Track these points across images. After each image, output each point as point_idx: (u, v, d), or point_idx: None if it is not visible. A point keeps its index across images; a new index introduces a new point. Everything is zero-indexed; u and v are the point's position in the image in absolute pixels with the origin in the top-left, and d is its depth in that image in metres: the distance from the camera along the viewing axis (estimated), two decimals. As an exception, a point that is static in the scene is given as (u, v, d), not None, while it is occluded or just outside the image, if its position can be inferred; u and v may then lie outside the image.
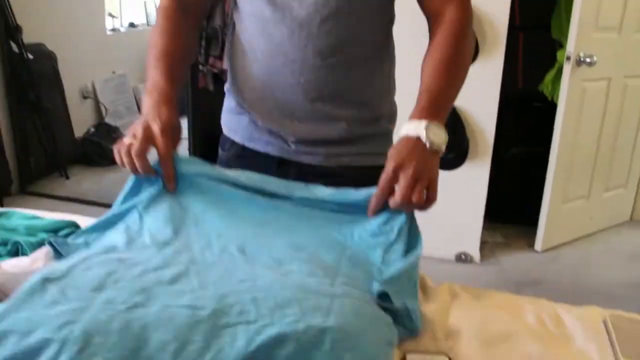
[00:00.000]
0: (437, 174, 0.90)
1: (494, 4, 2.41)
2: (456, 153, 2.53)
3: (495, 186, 2.68)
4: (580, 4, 2.43)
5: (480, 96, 2.48)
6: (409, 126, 0.92)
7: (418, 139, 0.90)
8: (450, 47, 1.03)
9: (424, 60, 1.04)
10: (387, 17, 1.13)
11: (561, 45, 2.76)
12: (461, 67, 1.04)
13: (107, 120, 4.29)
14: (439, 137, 0.91)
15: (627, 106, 2.95)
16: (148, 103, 0.97)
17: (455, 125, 2.49)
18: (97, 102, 4.32)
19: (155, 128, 0.92)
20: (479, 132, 2.57)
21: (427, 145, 0.89)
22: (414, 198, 0.85)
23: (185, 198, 0.92)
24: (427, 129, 0.90)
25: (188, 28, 1.13)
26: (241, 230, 0.88)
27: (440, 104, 0.98)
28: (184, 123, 3.39)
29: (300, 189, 0.94)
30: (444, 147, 0.92)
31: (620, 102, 2.90)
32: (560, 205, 2.85)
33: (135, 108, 4.72)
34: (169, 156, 0.92)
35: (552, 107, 2.74)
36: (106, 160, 3.79)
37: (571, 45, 2.48)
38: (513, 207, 3.03)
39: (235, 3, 1.14)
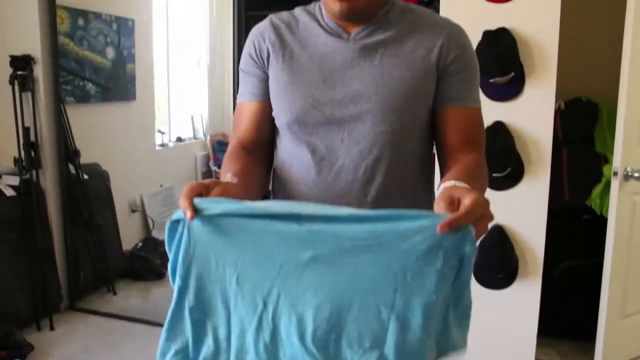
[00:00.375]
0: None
1: (536, 121, 2.45)
2: (506, 273, 2.48)
3: (548, 301, 2.60)
4: (623, 119, 2.44)
5: (528, 214, 2.46)
6: (448, 182, 0.98)
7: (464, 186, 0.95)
8: (473, 165, 1.13)
9: (459, 165, 1.13)
10: (429, 143, 1.26)
11: (606, 158, 2.75)
12: (483, 178, 1.14)
13: (154, 233, 4.39)
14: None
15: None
16: None
17: (503, 245, 2.46)
18: (144, 216, 4.45)
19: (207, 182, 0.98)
20: (527, 249, 2.53)
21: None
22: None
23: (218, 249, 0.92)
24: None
25: (257, 166, 1.22)
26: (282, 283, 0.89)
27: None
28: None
29: (342, 210, 0.91)
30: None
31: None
32: (618, 320, 2.73)
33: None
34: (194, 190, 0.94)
35: (601, 219, 2.70)
36: (152, 274, 3.86)
37: (617, 161, 2.46)
38: (567, 322, 2.92)
39: (275, 145, 1.29)
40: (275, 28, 1.23)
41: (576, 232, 2.96)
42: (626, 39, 2.39)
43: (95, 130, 3.86)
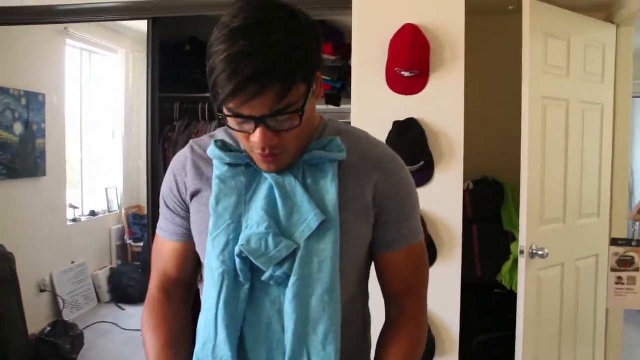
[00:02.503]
0: None
1: (447, 204, 2.55)
2: (423, 356, 2.51)
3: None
4: (526, 201, 2.59)
5: (442, 294, 2.53)
6: None
7: None
8: (413, 344, 1.16)
9: (386, 342, 1.14)
10: (366, 274, 1.22)
11: (513, 236, 2.89)
12: (416, 347, 1.18)
13: (65, 314, 4.16)
14: None
15: (582, 285, 3.04)
16: None
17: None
18: (54, 295, 4.21)
19: None
20: (444, 329, 2.59)
21: None
22: None
23: None
24: None
25: (177, 313, 1.19)
26: None
27: None
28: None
29: None
30: None
31: (575, 283, 2.99)
32: (533, 390, 2.82)
33: (94, 296, 4.62)
34: None
35: (512, 293, 2.81)
36: (61, 360, 3.63)
37: (523, 240, 2.59)
38: (486, 395, 2.98)
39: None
40: (197, 158, 1.16)
41: (489, 306, 3.07)
42: (524, 122, 2.57)
43: (0, 209, 3.66)
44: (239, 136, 1.02)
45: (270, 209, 1.05)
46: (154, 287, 1.22)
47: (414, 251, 1.17)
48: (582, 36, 2.88)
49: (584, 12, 2.94)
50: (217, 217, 1.07)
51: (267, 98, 0.91)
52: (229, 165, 1.09)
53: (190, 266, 1.21)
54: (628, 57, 3.16)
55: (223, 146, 1.10)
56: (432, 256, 2.50)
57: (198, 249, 1.16)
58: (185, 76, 3.36)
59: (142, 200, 5.12)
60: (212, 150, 1.09)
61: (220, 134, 1.18)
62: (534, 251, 2.62)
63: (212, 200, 1.08)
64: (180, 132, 3.34)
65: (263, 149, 0.98)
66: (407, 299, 1.16)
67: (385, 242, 1.14)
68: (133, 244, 4.99)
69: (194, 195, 1.14)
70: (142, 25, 3.14)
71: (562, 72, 2.79)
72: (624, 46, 3.14)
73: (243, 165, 1.09)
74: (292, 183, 1.06)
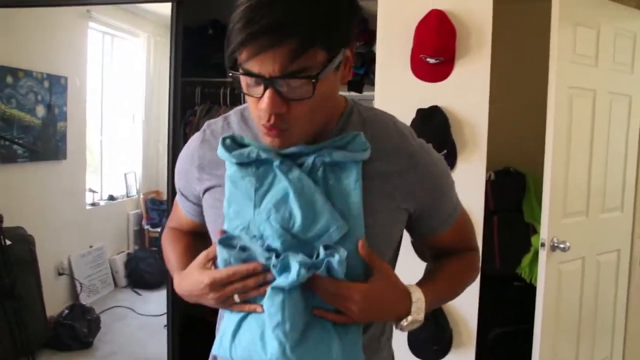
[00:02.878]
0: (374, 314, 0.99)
1: (469, 194, 2.50)
2: (441, 344, 2.50)
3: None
4: (549, 193, 2.55)
5: (462, 284, 2.50)
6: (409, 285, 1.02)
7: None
8: (468, 270, 1.18)
9: (448, 260, 1.17)
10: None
11: (534, 228, 2.86)
12: (463, 290, 1.20)
13: (82, 298, 4.19)
14: (418, 316, 1.01)
15: (603, 280, 3.00)
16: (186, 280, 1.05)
17: (437, 317, 2.49)
18: (72, 279, 4.24)
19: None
20: (461, 320, 2.57)
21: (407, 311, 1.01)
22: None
23: None
24: (417, 302, 1.01)
25: (194, 237, 1.23)
26: None
27: (436, 302, 1.09)
28: (163, 299, 3.36)
29: None
30: (409, 326, 1.02)
31: (596, 277, 2.95)
32: (549, 385, 2.79)
33: (111, 280, 4.65)
34: None
35: (531, 286, 2.78)
36: (78, 343, 3.65)
37: (544, 233, 2.56)
38: (502, 387, 2.96)
39: None
40: (207, 149, 1.09)
41: (507, 299, 3.03)
42: (549, 113, 2.53)
43: (21, 191, 3.69)
44: (250, 103, 0.94)
45: (286, 221, 0.96)
46: (170, 226, 1.27)
47: (459, 222, 1.16)
48: (612, 25, 2.82)
49: (615, 0, 2.87)
50: (229, 220, 1.01)
51: (280, 54, 0.84)
52: (239, 164, 1.01)
53: (206, 231, 1.15)
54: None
55: (232, 143, 1.03)
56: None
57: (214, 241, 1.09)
58: (208, 60, 3.35)
59: (161, 185, 5.15)
60: (220, 152, 1.02)
61: (234, 115, 1.11)
62: (555, 244, 2.59)
63: (225, 202, 1.02)
64: (202, 116, 3.34)
65: (269, 118, 0.90)
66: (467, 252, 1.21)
67: (432, 227, 1.12)
68: (150, 229, 5.01)
69: (206, 190, 1.09)
70: (164, 9, 3.14)
71: (591, 62, 2.74)
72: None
73: (253, 164, 1.00)
74: (311, 188, 0.96)
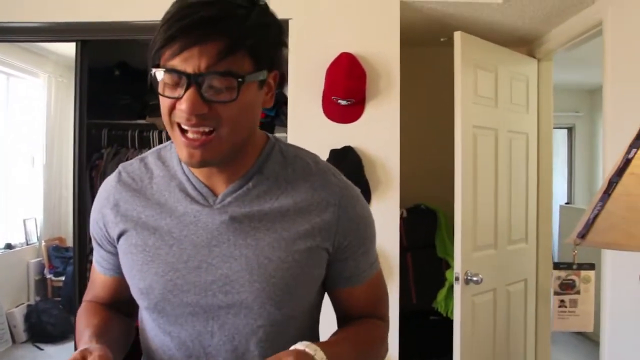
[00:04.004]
0: None
1: (383, 233, 2.55)
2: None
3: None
4: (460, 228, 2.64)
5: (381, 322, 2.52)
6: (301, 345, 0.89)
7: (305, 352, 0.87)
8: (375, 335, 1.08)
9: (348, 325, 1.07)
10: (318, 308, 1.11)
11: (447, 263, 2.94)
12: (370, 346, 1.07)
13: (-23, 356, 3.85)
14: None
15: (513, 309, 3.13)
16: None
17: (361, 357, 2.48)
18: (-35, 338, 3.90)
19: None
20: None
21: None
22: None
23: None
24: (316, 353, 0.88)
25: (117, 317, 1.09)
26: None
27: None
28: (68, 353, 3.14)
29: None
30: None
31: (507, 306, 3.07)
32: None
33: (8, 336, 4.31)
34: None
35: (447, 319, 2.85)
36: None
37: (458, 267, 2.64)
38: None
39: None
40: (123, 190, 1.03)
41: (425, 333, 3.08)
42: (456, 151, 2.64)
43: None
44: (165, 111, 0.89)
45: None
46: (88, 299, 1.13)
47: (373, 283, 1.09)
48: (507, 69, 3.01)
49: (510, 46, 3.08)
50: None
51: (208, 51, 0.83)
52: None
53: (124, 297, 1.08)
54: (548, 89, 3.34)
55: None
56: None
57: (133, 293, 1.03)
58: (114, 102, 3.25)
59: (64, 231, 4.87)
60: None
61: (151, 156, 1.06)
62: (469, 277, 2.67)
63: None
64: (109, 159, 3.21)
65: (189, 119, 0.86)
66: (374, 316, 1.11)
67: (343, 278, 1.05)
68: (53, 278, 4.71)
69: (121, 234, 1.02)
70: (66, 48, 3.02)
71: (491, 103, 2.90)
72: (545, 79, 3.31)
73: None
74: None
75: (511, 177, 3.03)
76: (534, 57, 3.29)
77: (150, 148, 3.12)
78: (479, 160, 2.79)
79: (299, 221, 0.98)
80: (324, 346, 0.90)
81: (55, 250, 4.77)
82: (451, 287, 2.77)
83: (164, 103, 0.89)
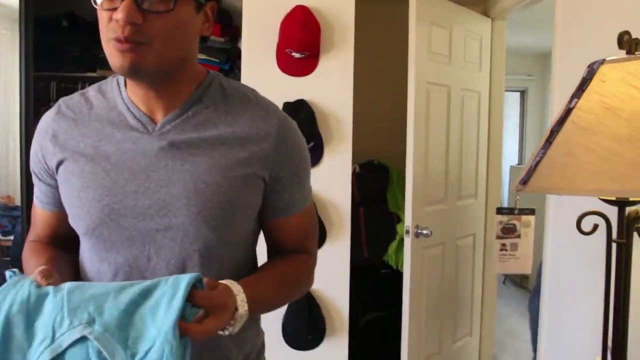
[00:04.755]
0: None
1: (336, 186, 2.59)
2: (315, 333, 2.55)
3: (355, 354, 2.72)
4: (411, 183, 2.69)
5: (332, 275, 2.57)
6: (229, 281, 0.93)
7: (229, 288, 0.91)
8: (299, 272, 1.13)
9: (273, 261, 1.12)
10: (254, 241, 1.14)
11: (399, 217, 3.00)
12: (295, 294, 1.16)
13: None
14: (240, 320, 0.91)
15: (461, 263, 3.23)
16: None
17: (311, 307, 2.53)
18: None
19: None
20: (334, 309, 2.63)
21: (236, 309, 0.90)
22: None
23: None
24: (241, 303, 0.91)
25: (63, 253, 1.09)
26: None
27: (260, 306, 0.99)
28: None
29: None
30: (232, 326, 0.91)
31: (455, 260, 3.17)
32: (418, 362, 2.95)
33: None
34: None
35: (397, 272, 2.93)
36: None
37: (408, 220, 2.70)
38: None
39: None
40: (62, 120, 1.04)
41: (376, 286, 3.16)
42: (409, 107, 2.67)
43: None
44: (103, 23, 0.92)
45: None
46: (31, 239, 1.15)
47: (306, 214, 1.13)
48: (462, 27, 3.04)
49: (465, 5, 3.10)
50: None
51: None
52: None
53: (65, 233, 1.10)
54: (501, 49, 3.39)
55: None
56: (322, 238, 2.54)
57: (71, 220, 1.04)
58: (63, 54, 3.13)
59: (12, 188, 4.74)
60: None
61: (92, 90, 1.08)
62: (419, 231, 2.74)
63: None
64: (57, 113, 3.12)
65: (123, 29, 0.87)
66: (303, 252, 1.16)
67: (277, 209, 1.09)
68: (1, 237, 4.60)
69: (59, 163, 1.03)
70: (9, 0, 2.90)
71: (445, 60, 2.93)
72: (498, 39, 3.36)
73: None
74: None
75: (462, 134, 3.09)
76: (488, 16, 3.32)
77: (100, 101, 3.08)
78: (432, 117, 2.84)
79: (237, 149, 1.01)
80: (245, 286, 0.94)
81: (3, 209, 4.65)
82: (401, 241, 2.84)
83: (102, 17, 0.91)
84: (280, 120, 1.06)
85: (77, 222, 1.02)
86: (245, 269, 1.10)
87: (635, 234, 1.44)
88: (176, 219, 0.98)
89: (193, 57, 1.02)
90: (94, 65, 3.16)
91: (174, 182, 0.98)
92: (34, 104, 2.94)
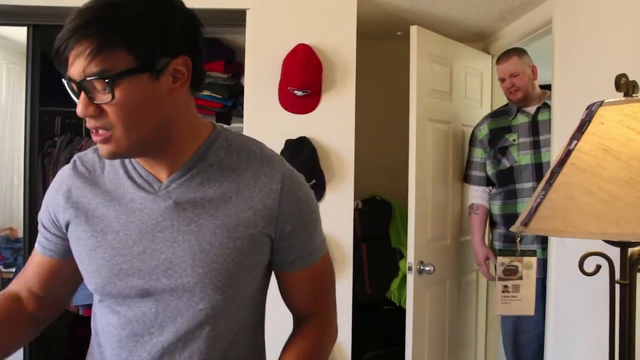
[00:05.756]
0: None
1: (338, 223, 2.59)
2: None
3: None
4: (414, 219, 2.68)
5: (335, 310, 2.55)
6: None
7: None
8: (324, 349, 1.14)
9: (293, 342, 1.10)
10: (263, 297, 1.13)
11: (401, 253, 2.99)
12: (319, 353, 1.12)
13: None
14: None
15: (464, 299, 3.20)
16: None
17: (314, 345, 2.50)
18: None
19: None
20: (335, 345, 2.59)
21: None
22: None
23: None
24: None
25: (21, 315, 1.09)
26: None
27: None
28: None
29: None
30: None
31: (458, 297, 3.14)
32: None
33: (-43, 329, 4.18)
34: None
35: (400, 308, 2.90)
36: None
37: (411, 257, 2.69)
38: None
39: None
40: (77, 177, 1.06)
41: (379, 322, 3.13)
42: (411, 143, 2.68)
43: None
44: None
45: None
46: (9, 287, 1.13)
47: (318, 267, 1.10)
48: (462, 64, 3.07)
49: (465, 42, 3.14)
50: None
51: (80, 55, 0.87)
52: None
53: (58, 285, 1.13)
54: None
55: None
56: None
57: (83, 275, 1.06)
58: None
59: (15, 221, 4.74)
60: None
61: None
62: (422, 267, 2.72)
63: None
64: (62, 148, 3.14)
65: (88, 122, 0.91)
66: (314, 312, 1.13)
67: (288, 263, 1.07)
68: (3, 269, 4.57)
69: (69, 222, 1.05)
70: (17, 34, 2.94)
71: (446, 96, 2.95)
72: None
73: None
74: None
75: (464, 169, 3.10)
76: (489, 53, 3.36)
77: (104, 136, 3.10)
78: (433, 153, 2.85)
79: (241, 208, 1.00)
80: None
81: (5, 241, 4.64)
82: (404, 277, 2.82)
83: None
84: (284, 175, 1.03)
85: (89, 280, 1.04)
86: (255, 321, 1.10)
87: (638, 275, 1.43)
88: (182, 279, 0.98)
89: (179, 120, 0.98)
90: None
91: (179, 242, 0.98)
92: (39, 139, 2.96)
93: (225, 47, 3.15)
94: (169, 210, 0.99)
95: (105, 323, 1.04)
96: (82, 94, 0.89)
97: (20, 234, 3.75)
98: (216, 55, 2.98)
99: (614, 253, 1.42)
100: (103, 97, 0.88)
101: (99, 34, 0.86)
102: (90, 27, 0.86)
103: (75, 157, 1.11)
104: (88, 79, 0.87)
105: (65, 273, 1.11)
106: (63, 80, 0.91)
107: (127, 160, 1.04)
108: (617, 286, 1.43)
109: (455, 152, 3.03)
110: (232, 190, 1.00)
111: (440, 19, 2.92)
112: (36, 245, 1.13)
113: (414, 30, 2.69)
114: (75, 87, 0.89)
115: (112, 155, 0.94)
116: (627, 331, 1.41)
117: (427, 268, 2.71)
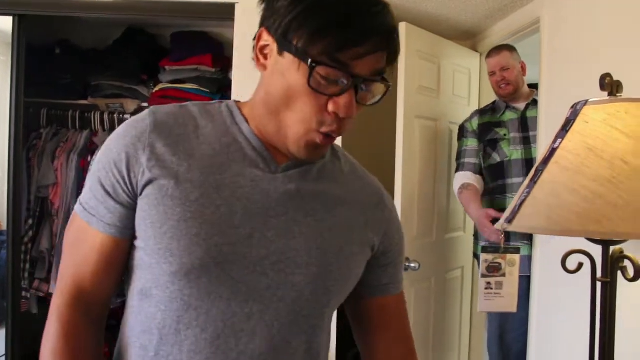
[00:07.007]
0: None
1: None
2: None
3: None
4: (400, 216, 2.68)
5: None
6: None
7: None
8: None
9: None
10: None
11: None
12: None
13: None
14: None
15: (449, 296, 3.22)
16: None
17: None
18: None
19: None
20: (321, 341, 2.61)
21: None
22: None
23: None
24: None
25: (92, 339, 0.89)
26: None
27: None
28: (1, 340, 3.04)
29: None
30: None
31: (444, 294, 3.16)
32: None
33: (-61, 321, 4.15)
34: None
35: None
36: None
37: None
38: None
39: (131, 279, 0.90)
40: (161, 132, 0.86)
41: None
42: (398, 140, 2.69)
43: None
44: (312, 103, 0.81)
45: None
46: (66, 300, 0.88)
47: (403, 298, 1.04)
48: (450, 61, 3.08)
49: (454, 40, 3.15)
50: None
51: (382, 58, 0.80)
52: None
53: (119, 274, 0.90)
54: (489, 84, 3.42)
55: None
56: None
57: (152, 254, 0.84)
58: (54, 81, 3.15)
59: (1, 218, 4.70)
60: None
61: (193, 106, 0.92)
62: (407, 264, 2.73)
63: None
64: (48, 140, 3.11)
65: (340, 124, 0.82)
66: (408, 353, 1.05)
67: (380, 285, 0.98)
68: (-12, 264, 4.56)
69: (151, 180, 0.83)
70: (3, 24, 2.91)
71: (434, 94, 2.96)
72: (486, 74, 3.39)
73: None
74: None
75: (450, 167, 3.11)
76: (477, 51, 3.38)
77: (91, 129, 3.09)
78: (420, 150, 2.86)
79: (355, 211, 0.93)
80: None
81: (-9, 236, 4.61)
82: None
83: (315, 99, 0.81)
84: (386, 194, 1.01)
85: (168, 258, 0.81)
86: (328, 335, 0.98)
87: (619, 273, 1.44)
88: (293, 277, 0.84)
89: None
90: (85, 93, 3.17)
91: (295, 234, 0.85)
92: (24, 131, 2.94)
93: (214, 40, 3.13)
94: (286, 196, 0.86)
95: (173, 321, 0.83)
96: (351, 92, 0.80)
97: (4, 227, 3.73)
98: (204, 48, 2.97)
99: (597, 251, 1.44)
100: (370, 98, 0.85)
101: (397, 44, 0.84)
102: (395, 31, 0.83)
103: (151, 109, 0.90)
104: (378, 81, 0.83)
105: (123, 260, 0.89)
106: (317, 63, 0.77)
107: (235, 129, 0.89)
108: (599, 284, 1.44)
109: (442, 150, 3.05)
110: (346, 192, 0.94)
111: (429, 17, 2.93)
112: (85, 217, 0.88)
113: (402, 27, 2.69)
114: (350, 80, 0.79)
115: (313, 159, 0.88)
116: (607, 328, 1.43)
117: (412, 265, 2.72)
